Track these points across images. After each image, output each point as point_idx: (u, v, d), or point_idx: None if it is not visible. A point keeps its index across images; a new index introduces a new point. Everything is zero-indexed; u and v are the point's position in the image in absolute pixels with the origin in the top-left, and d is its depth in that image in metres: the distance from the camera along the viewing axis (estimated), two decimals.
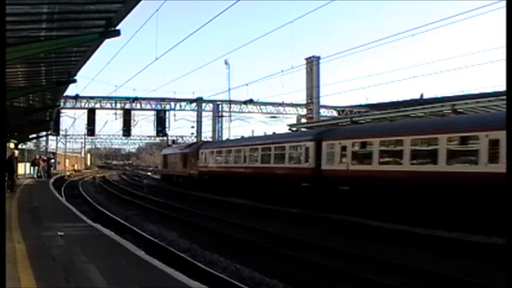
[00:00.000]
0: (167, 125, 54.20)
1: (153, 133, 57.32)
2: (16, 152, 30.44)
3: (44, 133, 53.00)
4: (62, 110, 50.42)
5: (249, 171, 26.85)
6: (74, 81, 19.13)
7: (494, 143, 13.27)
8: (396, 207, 16.37)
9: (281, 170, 23.76)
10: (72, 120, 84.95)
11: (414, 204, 15.71)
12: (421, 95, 51.00)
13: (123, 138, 78.71)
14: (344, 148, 19.43)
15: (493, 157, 13.36)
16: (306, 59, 48.24)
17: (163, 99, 54.34)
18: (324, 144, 20.60)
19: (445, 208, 14.74)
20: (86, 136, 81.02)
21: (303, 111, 53.11)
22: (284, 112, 55.80)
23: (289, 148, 23.53)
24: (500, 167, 11.98)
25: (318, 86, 47.76)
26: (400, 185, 16.40)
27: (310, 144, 21.59)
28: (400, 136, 16.97)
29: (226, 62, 59.44)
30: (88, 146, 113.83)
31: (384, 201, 17.03)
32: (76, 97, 49.56)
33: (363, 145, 18.79)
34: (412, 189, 15.89)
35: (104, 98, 53.25)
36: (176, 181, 40.86)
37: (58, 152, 77.76)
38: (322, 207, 19.57)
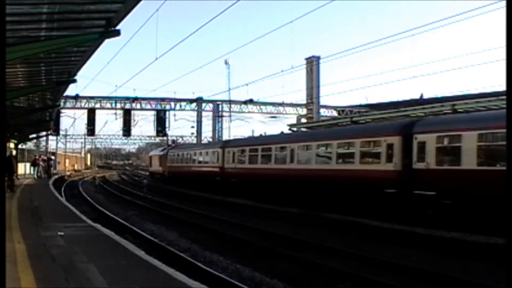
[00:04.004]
0: (167, 125, 54.35)
1: (153, 133, 57.36)
2: (14, 151, 30.38)
3: (44, 133, 53.02)
4: (62, 110, 50.53)
5: (191, 169, 38.10)
6: (74, 81, 19.15)
7: (286, 150, 23.88)
8: (261, 193, 25.02)
9: (206, 168, 34.45)
10: (72, 120, 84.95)
11: (268, 190, 24.81)
12: (421, 95, 50.93)
13: (123, 138, 78.83)
14: (234, 154, 29.52)
15: (292, 159, 23.23)
16: (306, 59, 48.27)
17: (163, 99, 54.33)
18: (226, 150, 30.77)
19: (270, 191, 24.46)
20: (86, 136, 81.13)
21: (303, 111, 53.08)
22: (284, 112, 55.77)
23: (211, 153, 33.91)
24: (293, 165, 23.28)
25: (318, 86, 47.79)
26: (258, 178, 25.92)
27: (219, 151, 31.65)
28: (256, 146, 27.38)
29: (226, 62, 59.70)
30: (88, 146, 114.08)
31: (255, 189, 25.97)
32: (76, 97, 49.55)
33: (242, 151, 28.68)
34: (263, 180, 25.43)
35: (104, 98, 53.24)
36: (156, 178, 50.76)
37: (58, 152, 77.76)
38: (226, 193, 28.40)
